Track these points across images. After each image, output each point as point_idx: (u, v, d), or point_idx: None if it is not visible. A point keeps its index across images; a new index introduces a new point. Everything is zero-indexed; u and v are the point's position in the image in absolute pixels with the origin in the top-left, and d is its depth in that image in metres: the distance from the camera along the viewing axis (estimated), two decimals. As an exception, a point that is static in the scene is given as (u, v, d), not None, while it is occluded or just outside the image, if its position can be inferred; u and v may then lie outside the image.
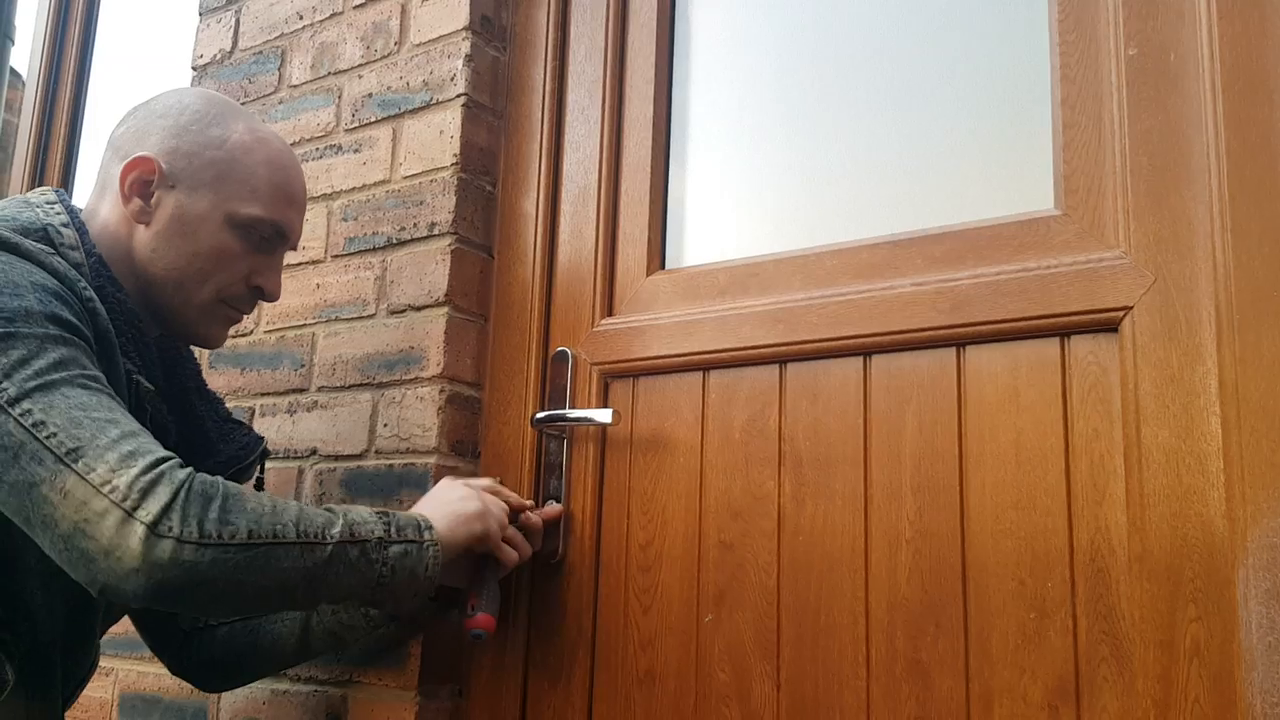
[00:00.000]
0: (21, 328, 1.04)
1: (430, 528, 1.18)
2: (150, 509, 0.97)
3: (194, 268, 1.26)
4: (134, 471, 0.99)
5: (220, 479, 1.06)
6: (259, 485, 1.41)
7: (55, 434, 1.00)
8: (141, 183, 1.26)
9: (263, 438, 1.42)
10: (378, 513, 1.15)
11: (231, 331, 1.75)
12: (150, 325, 1.28)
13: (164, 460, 1.01)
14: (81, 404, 1.02)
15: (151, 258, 1.26)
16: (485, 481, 1.36)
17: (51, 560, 1.03)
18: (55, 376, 1.03)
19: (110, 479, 0.98)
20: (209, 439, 1.35)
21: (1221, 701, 1.01)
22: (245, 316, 1.38)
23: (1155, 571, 1.06)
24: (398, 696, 1.43)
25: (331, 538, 1.08)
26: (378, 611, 1.34)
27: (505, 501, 1.33)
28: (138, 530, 0.96)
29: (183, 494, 0.99)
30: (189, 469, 1.03)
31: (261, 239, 1.29)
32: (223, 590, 1.01)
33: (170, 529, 0.97)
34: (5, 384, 1.01)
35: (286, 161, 1.33)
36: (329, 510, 1.11)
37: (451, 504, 1.25)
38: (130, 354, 1.20)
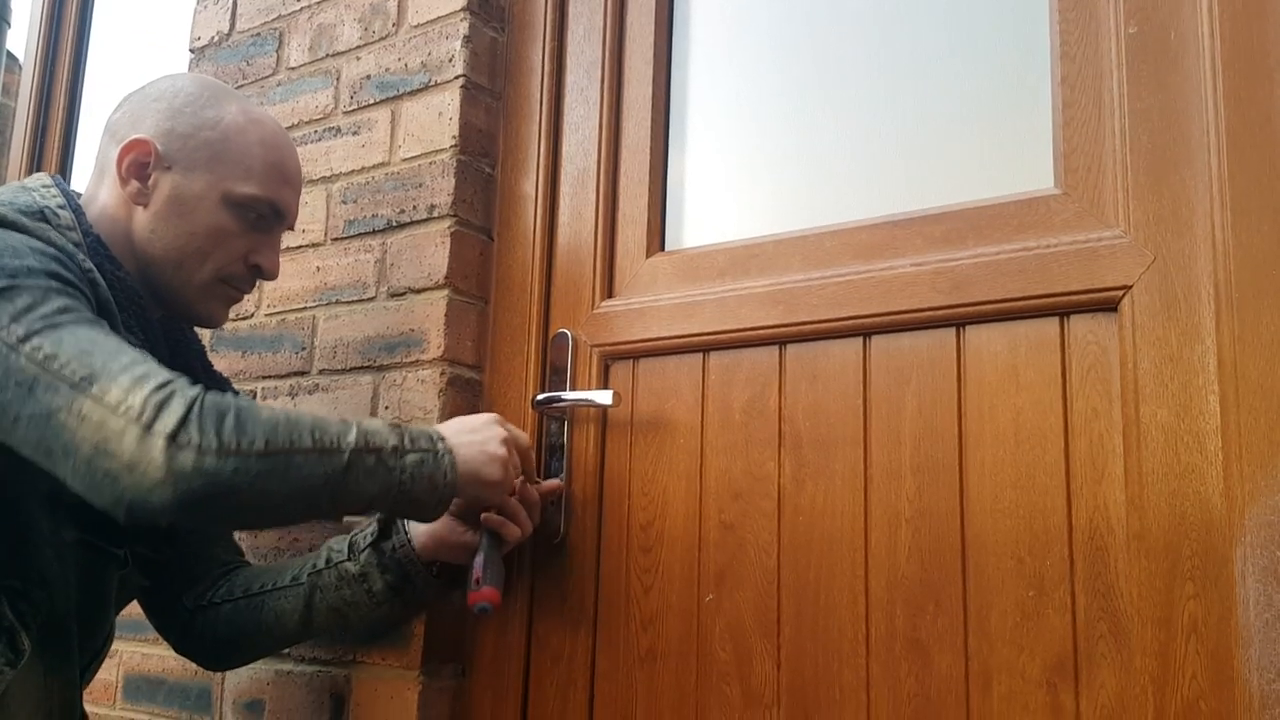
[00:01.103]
0: (24, 280, 1.06)
1: (443, 439, 1.19)
2: (167, 422, 0.99)
3: (192, 247, 1.28)
4: (147, 389, 1.00)
5: (230, 394, 1.09)
6: None
7: (67, 363, 1.02)
8: (138, 165, 1.27)
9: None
10: (391, 425, 1.16)
11: (232, 314, 1.75)
12: (153, 306, 1.30)
13: (175, 379, 1.04)
14: (90, 338, 1.05)
15: (150, 238, 1.28)
16: (500, 424, 1.28)
17: (65, 531, 1.03)
18: (61, 319, 1.05)
19: (125, 398, 1.00)
20: None
21: (1219, 678, 1.02)
22: (245, 296, 1.40)
23: (1153, 549, 1.07)
24: (400, 676, 1.44)
25: (347, 445, 1.09)
26: (381, 587, 1.34)
27: (519, 455, 1.29)
28: (158, 442, 0.98)
29: (197, 407, 1.01)
30: (199, 385, 1.05)
31: (259, 217, 1.31)
32: (249, 500, 1.03)
33: (189, 440, 0.99)
34: (14, 325, 1.03)
35: (281, 141, 1.35)
36: (343, 421, 1.12)
37: (478, 435, 1.23)
38: (133, 328, 1.22)
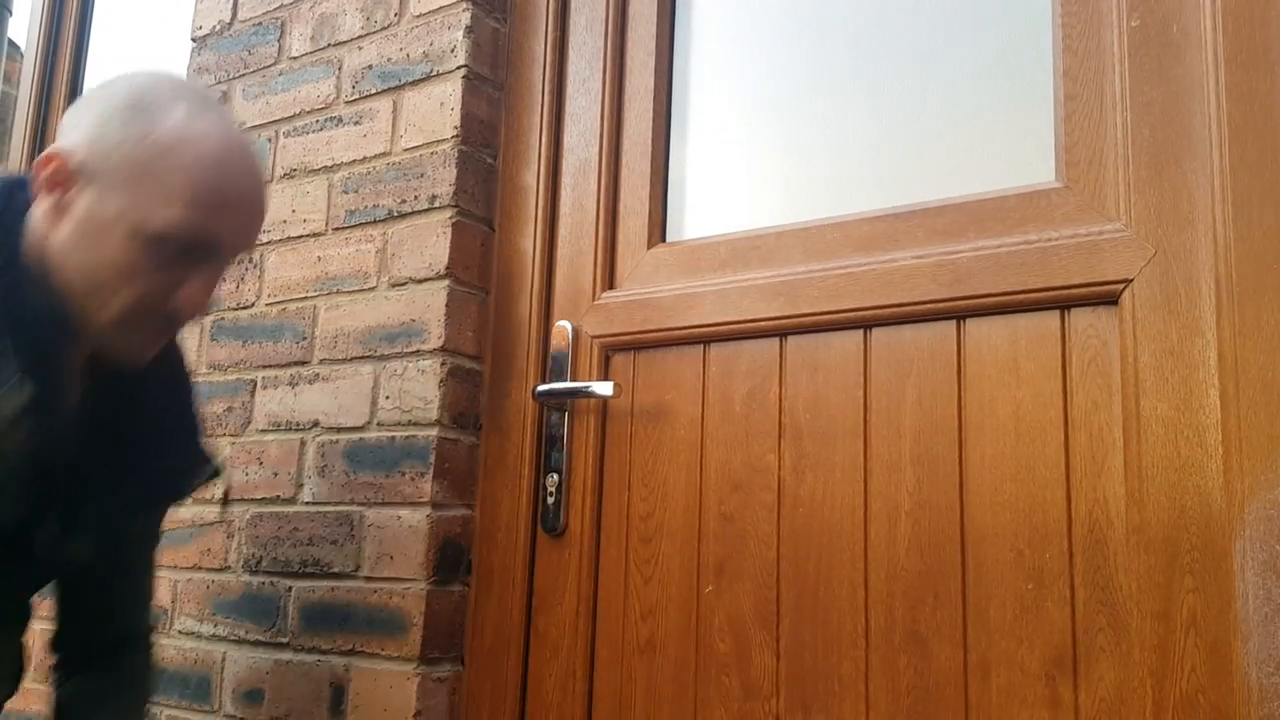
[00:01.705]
0: None
1: None
2: None
3: (98, 280, 1.11)
4: None
5: None
6: (224, 498, 1.40)
7: None
8: (57, 177, 1.12)
9: (210, 465, 1.35)
10: None
11: (232, 303, 1.76)
12: (81, 339, 1.17)
13: None
14: None
15: (63, 261, 1.12)
16: None
17: None
18: None
19: None
20: (149, 450, 1.27)
21: (1218, 671, 1.02)
22: (179, 330, 1.23)
23: (1153, 543, 1.07)
24: (400, 666, 1.44)
25: None
26: None
27: None
28: None
29: None
30: None
31: (181, 251, 1.12)
32: None
33: None
34: None
35: (224, 161, 1.13)
36: None
37: None
38: (24, 350, 1.10)
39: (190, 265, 1.14)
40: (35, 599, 1.33)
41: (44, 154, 1.13)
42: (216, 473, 1.37)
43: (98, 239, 1.11)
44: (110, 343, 1.16)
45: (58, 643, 1.38)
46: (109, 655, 1.38)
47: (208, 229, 1.12)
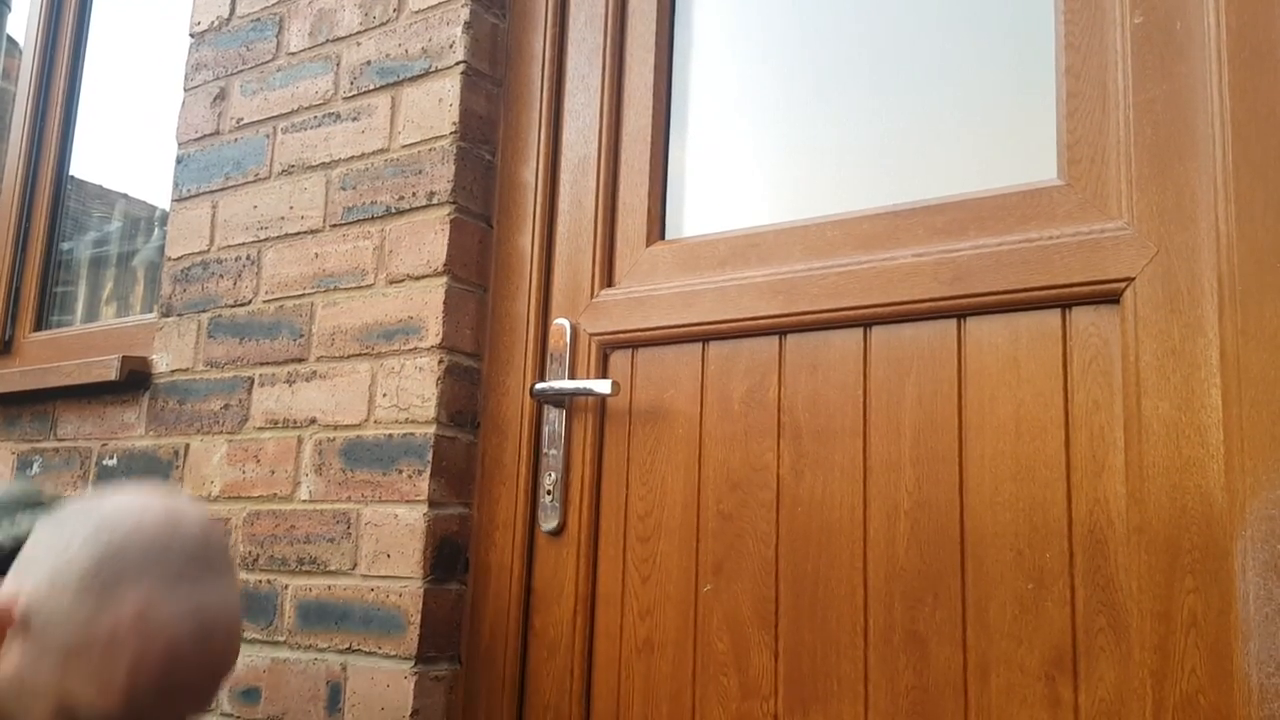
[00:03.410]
0: None
1: None
2: None
3: None
4: None
5: None
6: None
7: None
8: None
9: None
10: None
11: (229, 300, 1.75)
12: None
13: None
14: None
15: None
16: None
17: None
18: None
19: None
20: None
21: (1218, 672, 1.02)
22: None
23: (1154, 543, 1.06)
24: (396, 665, 1.44)
25: None
26: None
27: None
28: None
29: None
30: None
31: None
32: None
33: None
34: None
35: (177, 656, 1.01)
36: None
37: None
38: None
39: None
40: None
41: None
42: None
43: (23, 700, 1.02)
44: None
45: None
46: None
47: (143, 716, 1.02)
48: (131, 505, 1.06)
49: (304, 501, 1.59)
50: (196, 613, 1.03)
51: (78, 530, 1.03)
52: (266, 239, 1.74)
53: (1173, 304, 1.09)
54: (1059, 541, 1.12)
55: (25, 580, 1.03)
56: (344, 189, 1.67)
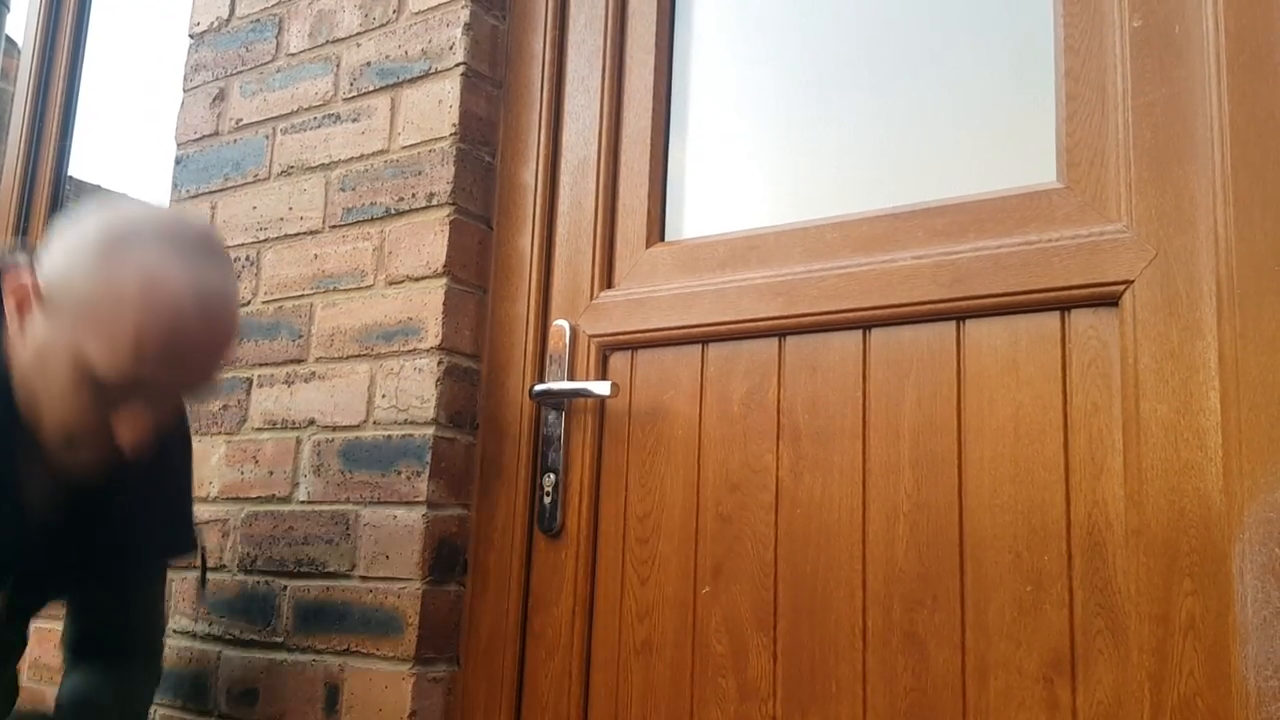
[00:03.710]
0: None
1: None
2: None
3: (45, 404, 1.14)
4: None
5: None
6: (202, 580, 1.51)
7: None
8: (21, 300, 1.13)
9: (190, 550, 1.45)
10: None
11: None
12: (49, 452, 1.19)
13: None
14: None
15: (22, 381, 1.15)
16: None
17: None
18: None
19: None
20: (130, 529, 1.32)
21: (1216, 675, 1.02)
22: (123, 457, 1.18)
23: (1152, 545, 1.06)
24: (395, 666, 1.44)
25: None
26: None
27: None
28: None
29: None
30: None
31: (122, 392, 1.11)
32: None
33: None
34: None
35: (179, 312, 1.08)
36: None
37: None
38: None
39: (136, 401, 1.13)
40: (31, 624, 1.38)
41: (13, 273, 1.13)
42: (187, 551, 1.45)
43: (48, 367, 1.12)
44: (62, 459, 1.18)
45: (67, 641, 1.45)
46: (118, 654, 1.44)
47: (153, 377, 1.10)
48: (142, 204, 1.18)
49: (302, 502, 1.59)
50: (198, 281, 1.10)
51: (92, 218, 1.13)
52: (266, 240, 1.74)
53: (1171, 307, 1.10)
54: (1057, 544, 1.12)
55: (46, 260, 1.12)
56: (343, 190, 1.67)
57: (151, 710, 1.67)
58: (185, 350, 1.10)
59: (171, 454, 1.37)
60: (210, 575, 1.66)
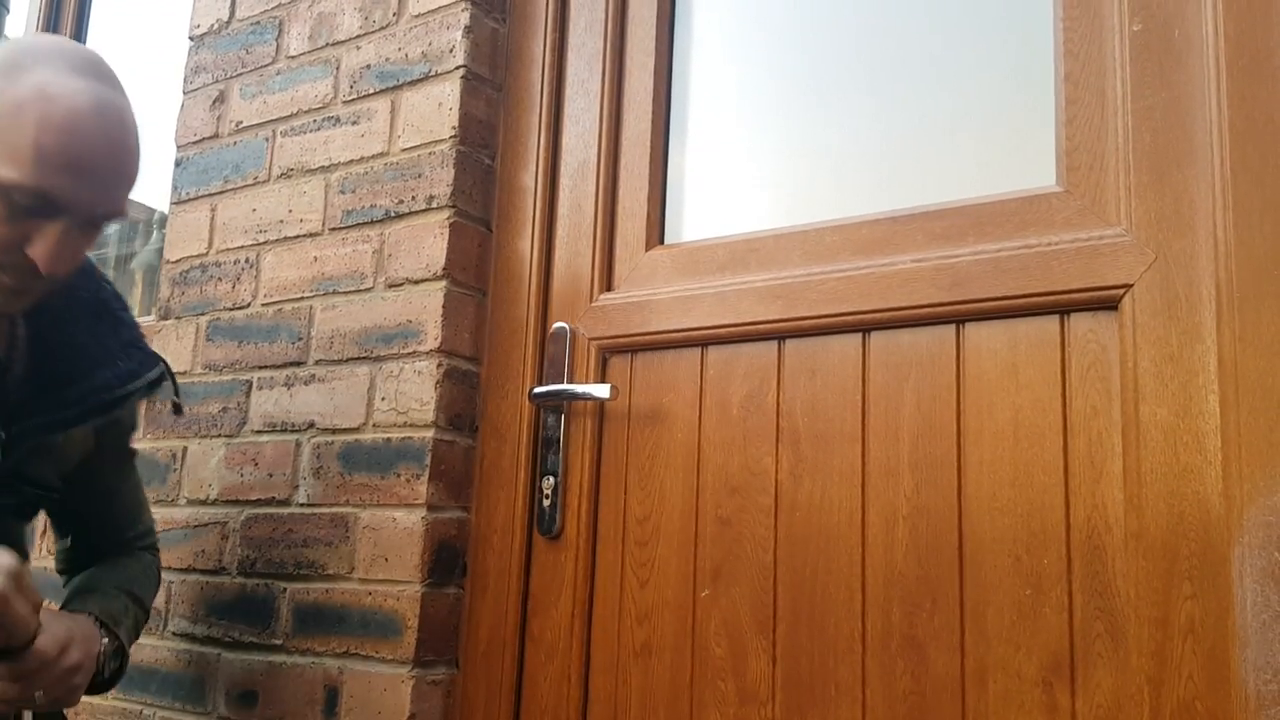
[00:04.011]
0: None
1: None
2: None
3: None
4: None
5: None
6: (176, 410, 1.46)
7: None
8: None
9: (156, 365, 1.38)
10: None
11: (228, 304, 1.75)
12: None
13: None
14: None
15: None
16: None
17: None
18: None
19: None
20: (81, 364, 1.31)
21: (1215, 678, 1.02)
22: (38, 287, 1.21)
23: (1151, 549, 1.06)
24: (394, 669, 1.44)
25: None
26: None
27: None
28: None
29: None
30: None
31: (27, 209, 1.13)
32: None
33: None
34: None
35: (76, 123, 1.12)
36: None
37: None
38: None
39: (44, 221, 1.14)
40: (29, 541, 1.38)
41: None
42: (160, 382, 1.39)
43: None
44: None
45: (62, 564, 1.47)
46: (113, 556, 1.46)
47: (54, 189, 1.12)
48: (35, 35, 1.23)
49: (302, 505, 1.59)
50: (93, 92, 1.14)
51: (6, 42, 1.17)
52: (265, 242, 1.74)
53: (1171, 310, 1.10)
54: (1057, 547, 1.12)
55: None
56: (343, 192, 1.67)
57: (150, 713, 1.67)
58: (85, 157, 1.13)
59: (101, 298, 1.37)
60: (209, 578, 1.66)
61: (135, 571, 1.45)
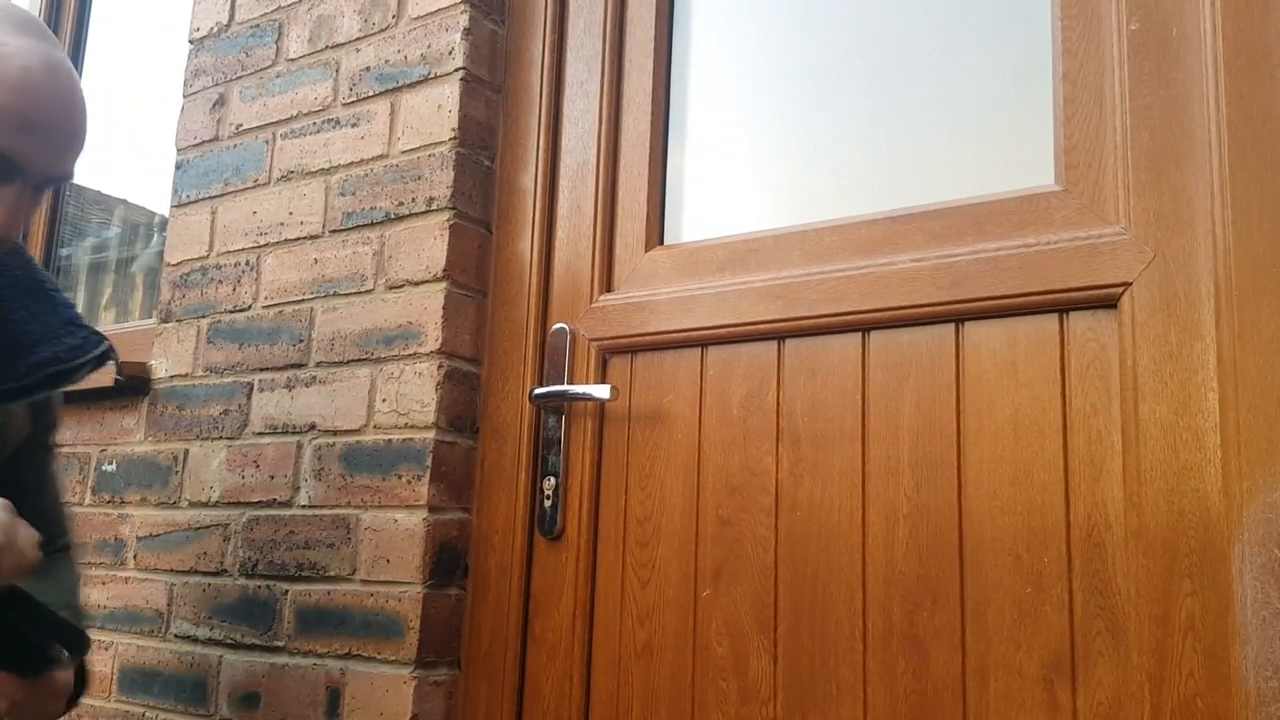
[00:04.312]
0: None
1: None
2: None
3: None
4: None
5: None
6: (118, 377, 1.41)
7: None
8: None
9: (102, 341, 1.35)
10: None
11: (229, 306, 1.76)
12: None
13: None
14: None
15: None
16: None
17: None
18: None
19: None
20: (23, 340, 1.29)
21: (1215, 675, 1.02)
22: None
23: (1151, 546, 1.07)
24: (396, 670, 1.44)
25: None
26: None
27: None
28: None
29: None
30: None
31: None
32: None
33: None
34: None
35: (31, 82, 1.13)
36: None
37: None
38: None
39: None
40: None
41: None
42: (107, 357, 1.36)
43: None
44: None
45: None
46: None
47: (12, 150, 1.12)
48: None
49: (303, 507, 1.59)
50: (43, 52, 1.15)
51: None
52: (266, 244, 1.74)
53: (1170, 308, 1.10)
54: (1057, 545, 1.12)
55: None
56: (343, 195, 1.67)
57: (154, 714, 1.67)
58: (32, 118, 1.13)
59: (37, 279, 1.35)
60: (211, 580, 1.66)
61: (69, 583, 1.40)
